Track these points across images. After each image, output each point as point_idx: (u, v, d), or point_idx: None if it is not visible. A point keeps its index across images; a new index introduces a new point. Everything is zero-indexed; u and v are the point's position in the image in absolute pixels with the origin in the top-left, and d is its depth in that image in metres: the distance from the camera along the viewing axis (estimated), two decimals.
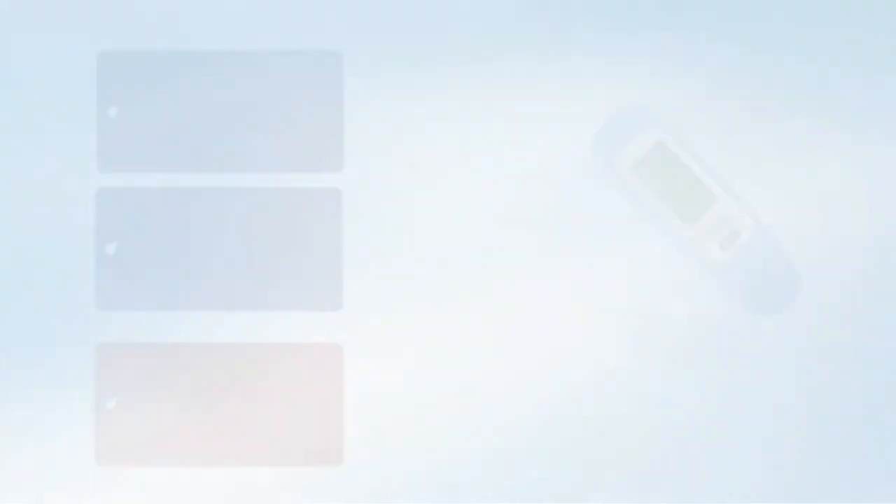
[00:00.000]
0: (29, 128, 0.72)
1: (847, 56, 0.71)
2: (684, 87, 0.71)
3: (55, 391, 0.72)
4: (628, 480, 0.72)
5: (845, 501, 0.73)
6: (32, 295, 0.71)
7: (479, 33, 0.72)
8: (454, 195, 0.70)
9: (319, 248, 0.70)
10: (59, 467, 0.73)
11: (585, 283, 0.70)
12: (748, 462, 0.71)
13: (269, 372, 0.70)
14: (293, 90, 0.69)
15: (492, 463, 0.70)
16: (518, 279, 0.70)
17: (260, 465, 0.70)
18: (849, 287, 0.72)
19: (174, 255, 0.69)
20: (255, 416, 0.70)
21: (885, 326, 0.73)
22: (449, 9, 0.72)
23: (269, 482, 0.72)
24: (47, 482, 0.75)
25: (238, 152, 0.70)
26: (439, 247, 0.70)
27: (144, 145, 0.71)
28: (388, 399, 0.69)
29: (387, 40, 0.71)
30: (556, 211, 0.69)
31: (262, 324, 0.69)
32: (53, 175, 0.70)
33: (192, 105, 0.69)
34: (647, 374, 0.70)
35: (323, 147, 0.70)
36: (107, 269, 0.70)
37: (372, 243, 0.68)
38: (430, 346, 0.70)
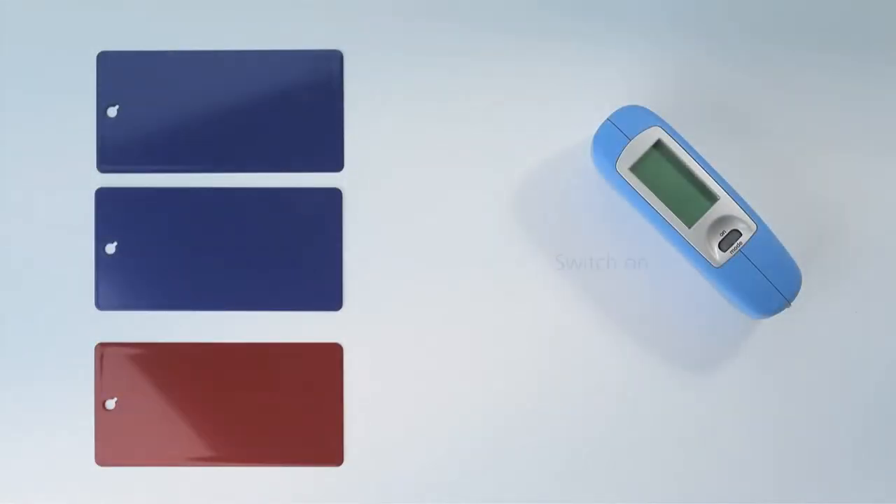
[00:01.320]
0: (27, 127, 0.71)
1: (853, 56, 0.70)
2: (684, 87, 0.70)
3: (55, 391, 0.71)
4: (629, 480, 0.71)
5: (847, 501, 0.72)
6: (31, 295, 0.70)
7: (480, 33, 0.71)
8: (454, 195, 0.69)
9: (319, 247, 0.69)
10: (58, 467, 0.73)
11: (585, 283, 0.69)
12: (748, 462, 0.71)
13: (270, 372, 0.69)
14: (293, 90, 0.68)
15: (492, 463, 0.69)
16: (518, 279, 0.69)
17: (260, 464, 0.69)
18: (850, 287, 0.71)
19: (174, 255, 0.68)
20: (255, 416, 0.69)
21: (886, 326, 0.72)
22: (450, 9, 0.71)
23: (269, 482, 0.71)
24: (47, 482, 0.74)
25: (239, 152, 0.69)
26: (439, 247, 0.69)
27: (144, 145, 0.69)
28: (388, 399, 0.68)
29: (387, 40, 0.70)
30: (556, 211, 0.68)
31: (262, 323, 0.68)
32: (52, 175, 0.69)
33: (193, 105, 0.68)
34: (646, 374, 0.69)
35: (323, 147, 0.69)
36: (106, 269, 0.69)
37: (372, 243, 0.67)
38: (431, 346, 0.69)
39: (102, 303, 0.67)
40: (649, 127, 0.61)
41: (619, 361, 0.66)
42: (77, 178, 0.67)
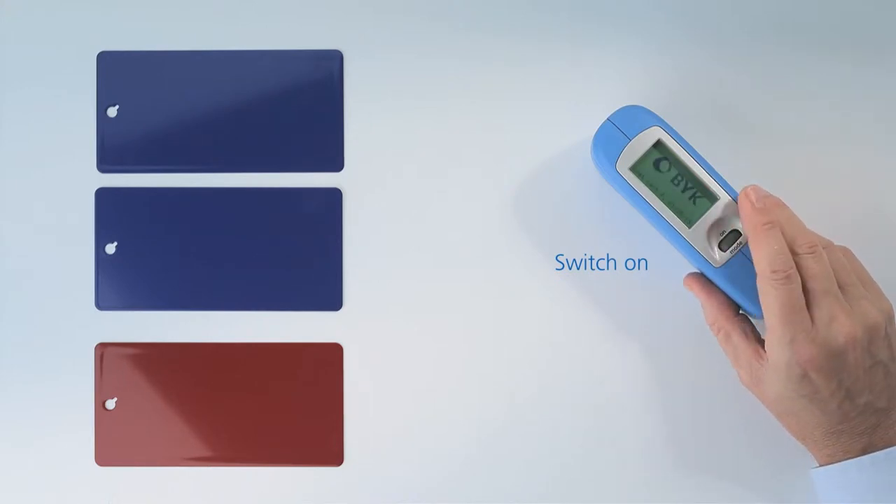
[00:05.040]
0: (27, 127, 0.71)
1: (853, 55, 0.70)
2: (684, 87, 0.70)
3: (55, 391, 0.71)
4: (630, 481, 0.71)
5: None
6: (31, 295, 0.70)
7: (480, 33, 0.71)
8: (454, 195, 0.69)
9: (319, 247, 0.69)
10: (58, 467, 0.72)
11: (585, 284, 0.69)
12: (749, 461, 0.70)
13: (270, 372, 0.69)
14: (293, 90, 0.68)
15: (492, 463, 0.69)
16: (518, 279, 0.68)
17: (260, 464, 0.69)
18: None
19: (174, 255, 0.68)
20: (255, 416, 0.69)
21: None
22: (450, 9, 0.71)
23: (269, 482, 0.71)
24: (47, 482, 0.74)
25: (239, 152, 0.69)
26: (439, 246, 0.69)
27: (144, 145, 0.69)
28: (388, 399, 0.68)
29: (387, 40, 0.70)
30: (556, 211, 0.68)
31: (262, 323, 0.68)
32: (52, 175, 0.69)
33: (193, 105, 0.68)
34: (646, 374, 0.69)
35: (323, 147, 0.69)
36: (106, 269, 0.69)
37: (372, 243, 0.67)
38: (431, 346, 0.69)
39: (102, 303, 0.67)
40: (649, 127, 0.61)
41: (619, 361, 0.66)
42: (77, 178, 0.67)
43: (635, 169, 0.62)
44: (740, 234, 0.61)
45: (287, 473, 0.66)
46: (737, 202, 0.61)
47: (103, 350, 0.67)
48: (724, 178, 0.62)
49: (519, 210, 0.66)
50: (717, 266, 0.62)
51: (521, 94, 0.66)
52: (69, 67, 0.68)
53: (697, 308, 0.64)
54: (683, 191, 0.62)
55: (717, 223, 0.62)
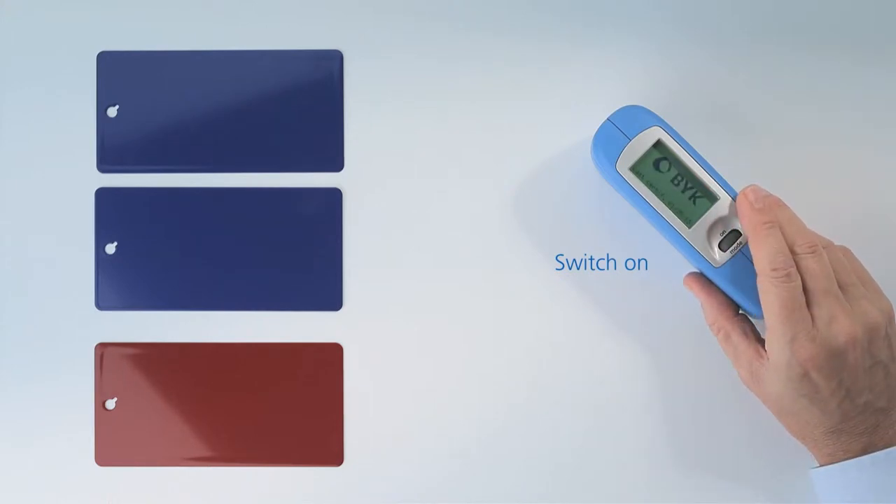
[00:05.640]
0: (27, 127, 0.71)
1: (853, 55, 0.70)
2: (684, 87, 0.70)
3: (55, 391, 0.71)
4: (630, 481, 0.71)
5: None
6: (31, 294, 0.70)
7: (480, 33, 0.71)
8: (454, 195, 0.69)
9: (319, 247, 0.69)
10: (58, 467, 0.73)
11: (585, 284, 0.69)
12: (748, 461, 0.70)
13: (270, 372, 0.69)
14: (293, 90, 0.68)
15: (492, 462, 0.69)
16: (517, 279, 0.69)
17: (260, 464, 0.69)
18: None
19: (174, 255, 0.68)
20: (255, 416, 0.69)
21: None
22: (450, 9, 0.72)
23: (269, 482, 0.71)
24: (47, 482, 0.74)
25: (239, 152, 0.69)
26: (439, 246, 0.69)
27: (144, 145, 0.69)
28: (388, 399, 0.68)
29: (387, 40, 0.70)
30: (556, 211, 0.68)
31: (262, 323, 0.68)
32: (52, 175, 0.69)
33: (193, 105, 0.68)
34: (646, 374, 0.69)
35: (323, 147, 0.69)
36: (106, 269, 0.69)
37: (372, 243, 0.67)
38: (430, 346, 0.69)
39: (102, 303, 0.67)
40: (649, 127, 0.61)
41: (619, 362, 0.66)
42: (77, 178, 0.67)
43: (635, 169, 0.62)
44: (740, 234, 0.61)
45: (287, 473, 0.66)
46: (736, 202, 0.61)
47: (103, 350, 0.67)
48: (724, 178, 0.62)
49: (519, 210, 0.66)
50: (717, 266, 0.62)
51: (521, 94, 0.66)
52: (69, 67, 0.68)
53: (697, 308, 0.64)
54: (683, 191, 0.62)
55: (717, 223, 0.62)
